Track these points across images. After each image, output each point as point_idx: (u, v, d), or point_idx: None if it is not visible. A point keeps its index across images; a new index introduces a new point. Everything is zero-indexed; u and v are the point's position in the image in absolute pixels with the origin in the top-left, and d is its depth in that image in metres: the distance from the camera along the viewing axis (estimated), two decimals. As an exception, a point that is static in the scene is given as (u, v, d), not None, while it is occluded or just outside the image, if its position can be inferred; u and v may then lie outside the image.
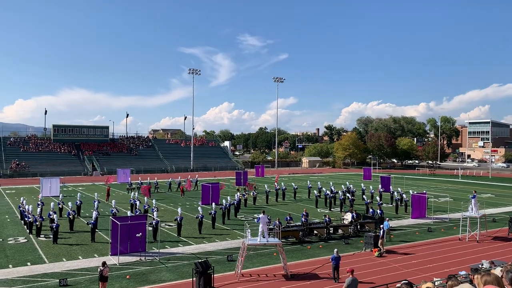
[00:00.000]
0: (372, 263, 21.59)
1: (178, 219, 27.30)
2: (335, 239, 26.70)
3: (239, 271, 19.18)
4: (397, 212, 36.05)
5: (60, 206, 33.89)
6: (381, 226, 24.95)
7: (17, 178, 69.08)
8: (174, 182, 54.13)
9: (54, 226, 25.19)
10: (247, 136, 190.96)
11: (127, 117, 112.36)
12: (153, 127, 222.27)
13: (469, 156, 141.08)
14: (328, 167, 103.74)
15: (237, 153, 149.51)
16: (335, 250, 19.41)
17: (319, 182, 50.33)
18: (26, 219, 29.17)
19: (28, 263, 21.12)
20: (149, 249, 23.16)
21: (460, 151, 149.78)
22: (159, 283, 18.49)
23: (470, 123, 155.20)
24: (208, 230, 28.69)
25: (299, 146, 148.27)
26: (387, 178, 51.11)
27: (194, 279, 17.34)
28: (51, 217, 27.01)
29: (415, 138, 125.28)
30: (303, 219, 27.47)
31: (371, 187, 46.14)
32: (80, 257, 22.35)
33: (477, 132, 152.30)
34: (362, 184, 49.41)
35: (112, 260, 21.21)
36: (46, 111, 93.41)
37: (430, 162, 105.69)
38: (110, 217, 24.96)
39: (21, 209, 32.15)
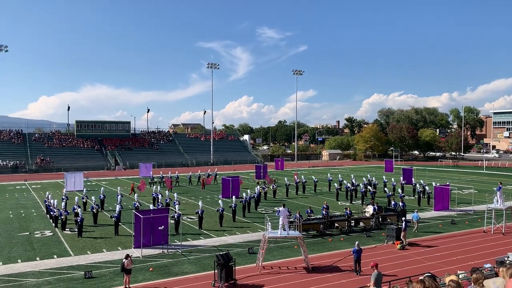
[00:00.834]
0: (395, 256, 21.38)
1: (199, 212, 27.54)
2: (356, 232, 26.53)
3: (260, 264, 19.25)
4: (420, 205, 35.56)
5: (84, 200, 34.58)
6: (403, 218, 24.65)
7: (42, 173, 70.71)
8: (194, 176, 54.57)
9: (78, 220, 25.74)
10: (266, 129, 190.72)
11: (148, 112, 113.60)
12: (173, 122, 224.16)
13: (494, 147, 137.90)
14: (348, 160, 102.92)
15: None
16: (357, 242, 19.29)
17: (340, 175, 49.99)
18: (51, 213, 29.87)
19: (55, 256, 21.65)
20: (171, 242, 23.46)
21: (485, 142, 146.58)
22: (182, 275, 18.72)
23: (495, 113, 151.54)
24: (228, 223, 28.87)
25: (319, 139, 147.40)
26: (409, 170, 50.43)
27: (215, 271, 17.50)
28: (76, 211, 27.60)
29: (438, 129, 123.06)
30: (324, 212, 27.37)
31: (393, 179, 45.63)
32: (104, 250, 22.79)
33: (502, 122, 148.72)
34: (383, 177, 48.89)
35: (135, 252, 21.56)
36: (69, 107, 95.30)
37: (453, 153, 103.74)
38: (133, 210, 25.36)
39: (46, 203, 32.94)
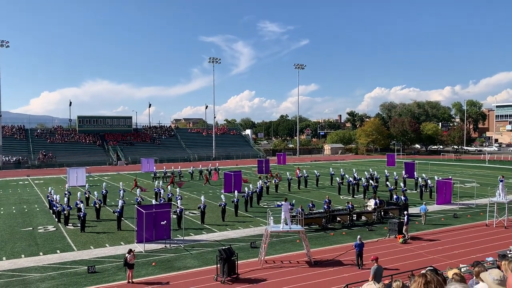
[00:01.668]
0: (397, 250, 21.41)
1: (202, 207, 27.59)
2: (358, 226, 26.56)
3: (262, 258, 19.31)
4: (422, 198, 35.54)
5: (86, 195, 34.67)
6: (405, 212, 24.64)
7: (44, 168, 70.90)
8: (197, 170, 54.64)
9: (81, 215, 25.83)
10: (268, 124, 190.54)
11: (149, 107, 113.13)
12: (175, 117, 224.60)
13: (496, 140, 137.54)
14: (350, 154, 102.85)
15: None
16: (358, 236, 19.32)
17: (341, 169, 49.99)
18: (54, 208, 29.98)
19: (58, 251, 21.75)
20: (174, 237, 23.52)
21: (487, 136, 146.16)
22: (184, 269, 18.80)
23: (497, 106, 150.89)
24: (231, 218, 28.93)
25: (321, 133, 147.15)
26: (411, 164, 50.36)
27: (218, 265, 17.56)
28: (78, 206, 27.68)
29: (440, 123, 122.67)
30: (325, 206, 27.40)
31: (395, 173, 45.59)
32: (107, 244, 22.88)
33: (505, 115, 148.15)
34: (385, 171, 48.86)
35: (138, 247, 21.64)
36: (70, 103, 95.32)
37: (455, 147, 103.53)
38: (135, 205, 25.43)
39: (49, 198, 33.05)
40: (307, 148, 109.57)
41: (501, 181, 28.04)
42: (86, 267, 18.65)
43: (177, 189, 34.81)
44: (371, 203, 28.86)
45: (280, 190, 41.18)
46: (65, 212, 27.58)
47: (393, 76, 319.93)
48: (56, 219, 28.74)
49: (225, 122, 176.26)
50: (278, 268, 18.84)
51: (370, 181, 39.86)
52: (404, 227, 23.20)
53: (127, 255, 17.46)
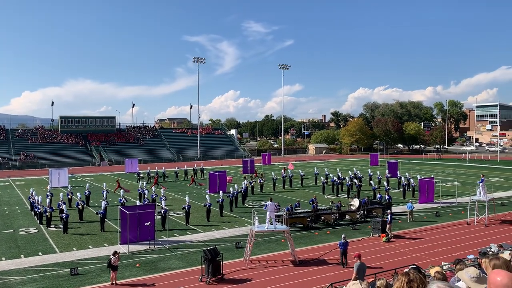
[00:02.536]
0: (380, 248, 21.65)
1: (186, 207, 27.47)
2: (342, 225, 26.77)
3: (247, 258, 19.32)
4: (405, 197, 35.97)
5: (69, 196, 34.20)
6: (388, 211, 24.94)
7: (26, 169, 69.67)
8: (182, 171, 54.35)
9: (64, 216, 25.47)
10: (253, 124, 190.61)
11: (133, 107, 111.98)
12: (159, 117, 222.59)
13: (477, 139, 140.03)
14: (334, 154, 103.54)
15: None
16: (343, 235, 19.48)
17: (326, 169, 50.29)
18: (36, 210, 29.49)
19: (40, 253, 21.41)
20: (158, 238, 23.37)
21: (468, 135, 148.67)
22: (169, 270, 18.69)
23: (478, 106, 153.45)
24: (216, 218, 28.86)
25: (305, 133, 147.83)
26: (394, 163, 50.95)
27: (203, 266, 17.51)
28: (61, 207, 27.30)
29: (422, 123, 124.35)
30: (313, 205, 27.56)
31: (378, 172, 46.07)
32: (90, 246, 22.62)
33: (485, 115, 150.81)
34: (369, 170, 49.31)
35: (122, 249, 21.42)
36: (52, 103, 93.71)
37: (437, 146, 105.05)
38: (119, 206, 25.18)
39: (31, 200, 32.50)
40: (291, 148, 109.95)
41: (482, 180, 28.59)
42: (69, 269, 18.39)
43: (161, 190, 34.59)
44: (355, 202, 29.13)
45: (265, 190, 41.24)
46: (47, 213, 27.16)
47: (376, 76, 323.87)
48: (38, 221, 28.28)
49: (210, 122, 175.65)
50: (263, 268, 18.88)
51: (354, 181, 40.20)
52: (388, 226, 23.48)
53: (111, 256, 17.28)
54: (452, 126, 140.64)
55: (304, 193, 39.11)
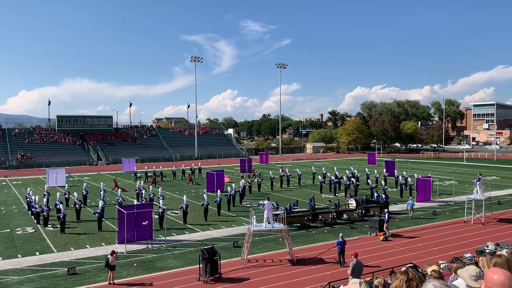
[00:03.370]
0: (378, 247, 21.68)
1: (184, 206, 27.45)
2: (340, 224, 26.80)
3: (245, 257, 19.32)
4: (402, 196, 36.04)
5: (66, 196, 34.11)
6: (385, 210, 24.98)
7: (23, 169, 69.46)
8: (179, 170, 54.28)
9: (61, 216, 25.40)
10: (251, 123, 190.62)
11: (130, 106, 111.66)
12: (157, 116, 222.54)
13: (474, 138, 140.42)
14: (332, 153, 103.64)
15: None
16: (340, 234, 19.49)
17: (323, 168, 50.34)
18: (33, 209, 29.41)
19: (37, 253, 21.35)
20: (156, 237, 23.34)
21: (465, 134, 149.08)
22: (166, 270, 18.68)
23: (474, 105, 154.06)
24: (213, 217, 28.85)
25: (303, 132, 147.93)
26: (391, 162, 51.03)
27: (200, 265, 17.50)
28: (58, 207, 27.22)
29: (419, 122, 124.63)
30: (311, 204, 27.58)
31: (375, 171, 46.12)
32: (87, 246, 22.57)
33: (482, 114, 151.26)
34: (366, 169, 49.38)
35: (119, 248, 21.40)
36: (49, 102, 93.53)
37: (434, 145, 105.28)
38: (116, 206, 25.13)
39: (28, 199, 32.41)
40: (289, 147, 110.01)
41: (479, 179, 28.69)
42: (66, 269, 18.35)
43: (159, 189, 34.55)
44: (352, 201, 29.18)
45: (262, 189, 41.23)
46: (44, 213, 27.08)
47: (373, 75, 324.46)
48: (35, 221, 28.18)
49: (207, 121, 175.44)
50: (260, 267, 18.88)
51: (352, 180, 40.25)
52: (385, 225, 23.51)
53: (109, 256, 17.25)
54: (449, 125, 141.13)
55: (302, 192, 39.12)
